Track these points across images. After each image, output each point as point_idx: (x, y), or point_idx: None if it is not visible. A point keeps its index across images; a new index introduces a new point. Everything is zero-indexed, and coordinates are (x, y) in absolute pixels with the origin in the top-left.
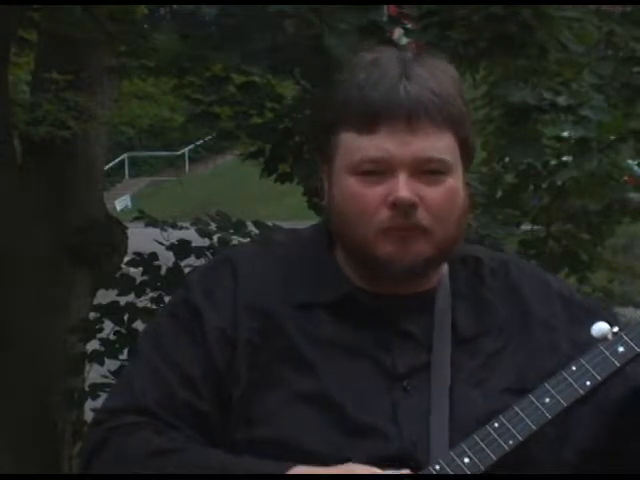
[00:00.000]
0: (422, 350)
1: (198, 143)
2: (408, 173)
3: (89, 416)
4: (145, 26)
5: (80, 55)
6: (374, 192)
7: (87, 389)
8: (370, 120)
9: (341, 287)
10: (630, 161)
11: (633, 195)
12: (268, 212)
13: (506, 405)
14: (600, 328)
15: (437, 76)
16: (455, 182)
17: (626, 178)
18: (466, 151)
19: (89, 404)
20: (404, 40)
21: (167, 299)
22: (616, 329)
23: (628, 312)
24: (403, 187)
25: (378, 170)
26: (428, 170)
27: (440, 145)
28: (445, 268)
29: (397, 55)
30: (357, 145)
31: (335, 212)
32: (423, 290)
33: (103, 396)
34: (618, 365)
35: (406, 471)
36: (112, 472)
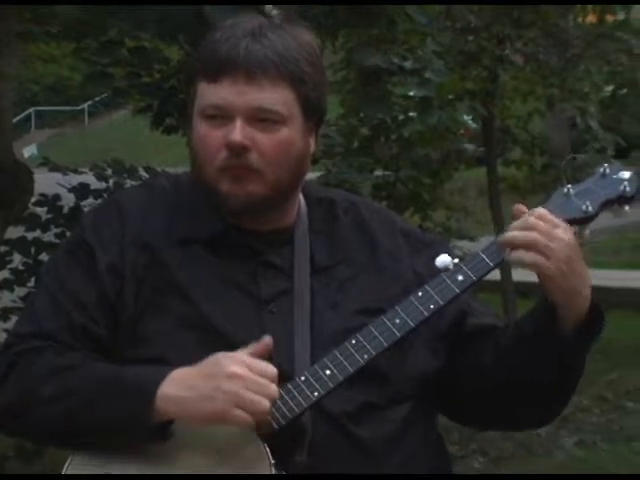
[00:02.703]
0: (284, 278)
1: (96, 99)
2: (244, 120)
3: (2, 336)
4: None
5: None
6: (216, 134)
7: None
8: (215, 71)
9: (214, 225)
10: (465, 116)
11: (467, 146)
12: (158, 159)
13: (358, 324)
14: (443, 260)
15: (285, 40)
16: (290, 132)
17: (462, 131)
18: (309, 107)
19: (1, 325)
20: (274, 12)
21: (69, 234)
22: (456, 260)
23: (463, 244)
24: (237, 131)
25: (220, 115)
26: (262, 118)
27: (274, 98)
28: (303, 207)
29: (257, 21)
30: (205, 93)
31: (192, 153)
32: (283, 226)
33: (14, 318)
34: (457, 291)
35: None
36: (22, 390)
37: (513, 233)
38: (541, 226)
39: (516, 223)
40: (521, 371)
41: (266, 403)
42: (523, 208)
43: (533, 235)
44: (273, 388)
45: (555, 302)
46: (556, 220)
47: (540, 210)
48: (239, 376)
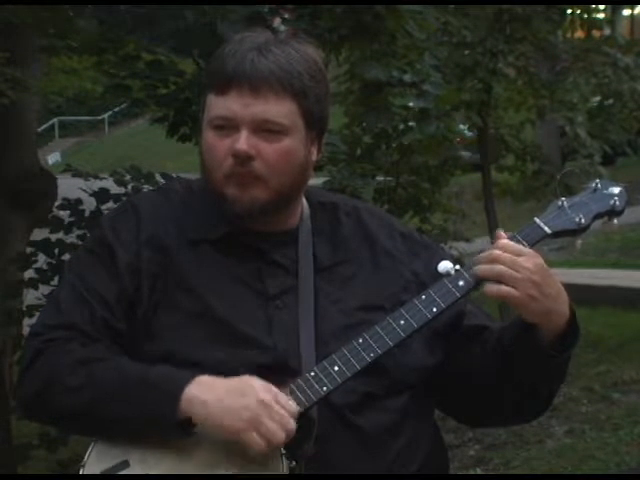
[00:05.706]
0: (289, 276)
1: (116, 110)
2: (249, 130)
3: (27, 331)
4: (70, 13)
5: (17, 36)
6: (223, 143)
7: (24, 309)
8: (223, 84)
9: (222, 227)
10: (461, 126)
11: (463, 153)
12: (173, 166)
13: (359, 320)
14: (445, 266)
15: (289, 54)
16: (292, 142)
17: (458, 140)
18: (311, 119)
19: (26, 321)
20: (282, 28)
21: (89, 235)
22: (457, 266)
23: (459, 245)
24: (242, 141)
25: (227, 125)
26: (266, 129)
27: (278, 110)
28: (307, 210)
29: (263, 36)
30: (214, 104)
31: (201, 160)
32: (287, 228)
33: (38, 315)
34: (458, 295)
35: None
36: (48, 378)
37: (480, 267)
38: (504, 258)
39: (481, 256)
40: (504, 376)
41: (282, 436)
42: (502, 234)
43: (498, 268)
44: (292, 424)
45: (531, 323)
46: (519, 248)
47: (502, 241)
48: (267, 404)
